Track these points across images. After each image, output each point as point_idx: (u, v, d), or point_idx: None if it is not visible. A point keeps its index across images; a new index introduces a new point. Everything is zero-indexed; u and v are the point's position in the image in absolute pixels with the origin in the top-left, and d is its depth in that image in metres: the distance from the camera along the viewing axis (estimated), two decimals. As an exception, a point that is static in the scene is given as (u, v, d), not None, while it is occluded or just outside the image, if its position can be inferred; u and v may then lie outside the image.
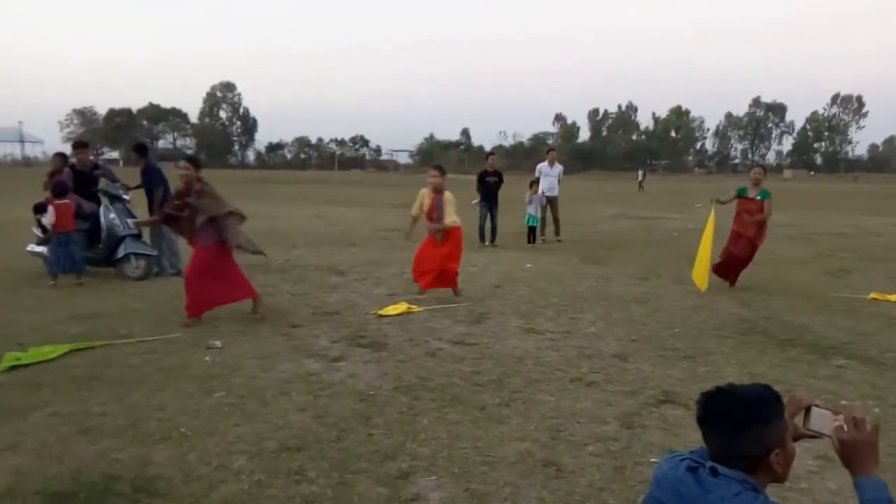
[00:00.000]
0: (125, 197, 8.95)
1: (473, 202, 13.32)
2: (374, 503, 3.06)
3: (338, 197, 29.58)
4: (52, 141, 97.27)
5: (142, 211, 9.11)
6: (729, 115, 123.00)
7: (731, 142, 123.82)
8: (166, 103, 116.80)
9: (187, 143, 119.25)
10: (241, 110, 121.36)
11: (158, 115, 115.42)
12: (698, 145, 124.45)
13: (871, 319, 6.94)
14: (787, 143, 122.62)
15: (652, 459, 3.48)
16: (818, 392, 4.53)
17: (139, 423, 3.91)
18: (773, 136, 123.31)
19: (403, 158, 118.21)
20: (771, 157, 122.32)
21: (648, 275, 9.56)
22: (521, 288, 8.37)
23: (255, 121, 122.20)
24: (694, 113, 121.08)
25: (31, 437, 3.70)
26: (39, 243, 8.63)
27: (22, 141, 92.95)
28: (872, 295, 8.05)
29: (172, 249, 9.04)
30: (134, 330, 5.96)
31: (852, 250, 12.96)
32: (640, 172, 48.41)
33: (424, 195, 7.59)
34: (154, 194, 8.95)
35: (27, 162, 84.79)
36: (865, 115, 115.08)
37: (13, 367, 4.85)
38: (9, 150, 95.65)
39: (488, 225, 12.72)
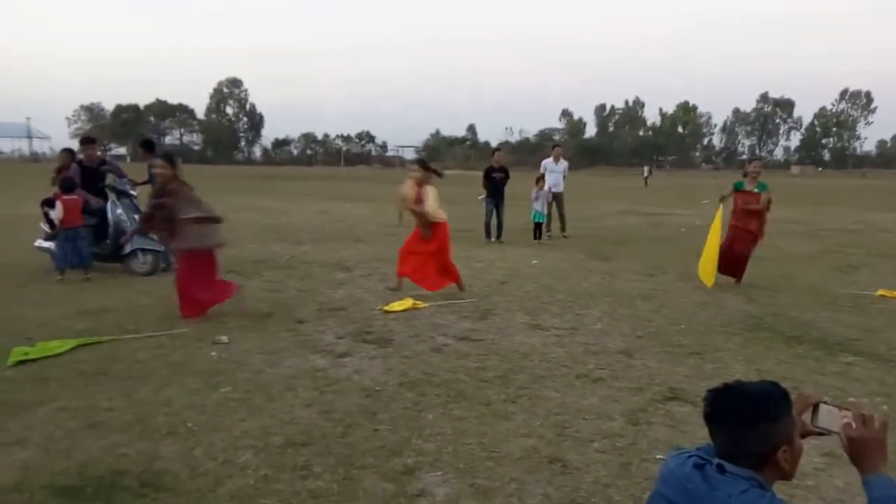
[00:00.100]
0: (132, 193, 8.98)
1: (479, 198, 13.31)
2: (379, 498, 3.06)
3: (344, 193, 29.60)
4: (60, 137, 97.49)
5: (148, 207, 9.12)
6: (736, 111, 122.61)
7: (739, 138, 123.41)
8: (173, 99, 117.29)
9: (194, 139, 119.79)
10: (248, 106, 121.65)
11: (165, 112, 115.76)
12: (705, 141, 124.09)
13: (878, 316, 6.90)
14: (795, 139, 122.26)
15: (658, 456, 3.47)
16: (825, 389, 4.51)
17: (146, 418, 3.92)
18: (781, 131, 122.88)
19: (409, 155, 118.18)
20: (779, 153, 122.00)
21: (655, 271, 9.53)
22: (527, 284, 8.36)
23: (261, 117, 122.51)
24: (701, 109, 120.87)
25: (39, 431, 3.72)
26: (47, 239, 8.67)
27: (30, 137, 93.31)
28: (880, 292, 8.00)
29: (179, 245, 9.06)
30: (141, 325, 5.98)
31: (860, 246, 12.89)
32: (646, 168, 48.37)
33: (407, 189, 7.49)
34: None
35: (35, 158, 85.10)
36: (874, 110, 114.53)
37: (21, 362, 4.87)
38: (17, 145, 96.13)
39: (494, 221, 12.69)
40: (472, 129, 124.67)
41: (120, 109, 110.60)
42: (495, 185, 12.61)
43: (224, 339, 5.55)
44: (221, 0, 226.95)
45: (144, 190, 9.27)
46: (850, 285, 8.63)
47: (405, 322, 6.29)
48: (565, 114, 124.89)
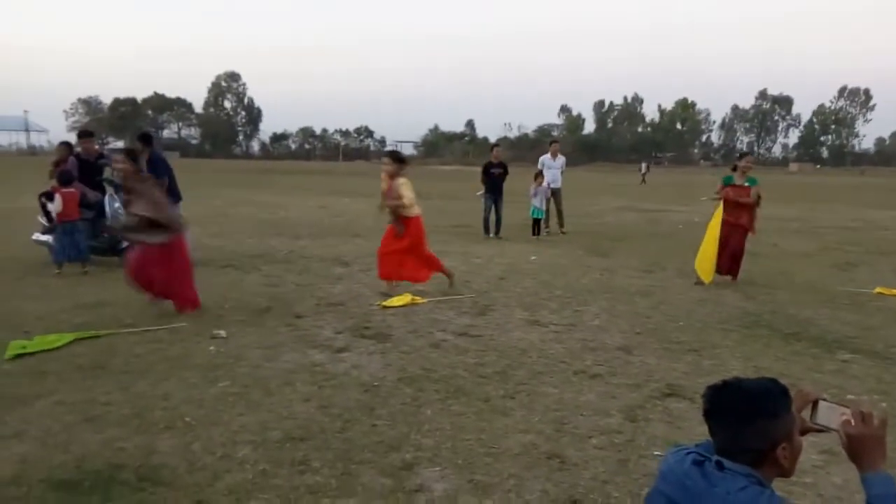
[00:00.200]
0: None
1: (478, 193, 13.31)
2: (377, 493, 3.06)
3: (342, 188, 29.56)
4: (58, 130, 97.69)
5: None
6: (735, 108, 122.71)
7: (737, 134, 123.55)
8: (171, 93, 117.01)
9: (192, 133, 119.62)
10: (246, 100, 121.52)
11: (163, 105, 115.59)
12: (704, 138, 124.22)
13: (876, 314, 6.91)
14: (794, 136, 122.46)
15: (656, 452, 3.47)
16: (823, 386, 4.51)
17: (144, 412, 3.92)
18: (780, 128, 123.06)
19: (408, 150, 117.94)
20: (777, 150, 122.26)
21: (653, 267, 9.53)
22: (526, 280, 8.36)
23: (259, 111, 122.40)
24: (700, 105, 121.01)
25: (36, 425, 3.71)
26: (44, 232, 8.64)
27: (27, 130, 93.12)
28: (878, 289, 8.01)
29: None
30: (139, 319, 5.97)
31: (858, 244, 12.90)
32: (644, 165, 48.32)
33: (382, 181, 7.41)
34: (159, 184, 8.95)
35: (32, 151, 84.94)
36: (872, 108, 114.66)
37: (18, 356, 4.86)
38: (14, 139, 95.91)
39: (493, 217, 12.69)
40: (470, 124, 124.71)
41: (118, 103, 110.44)
42: (494, 181, 12.60)
43: (222, 333, 5.55)
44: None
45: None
46: (848, 283, 8.64)
47: (404, 317, 6.29)
48: (564, 109, 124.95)
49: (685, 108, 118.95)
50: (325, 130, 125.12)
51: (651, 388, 4.51)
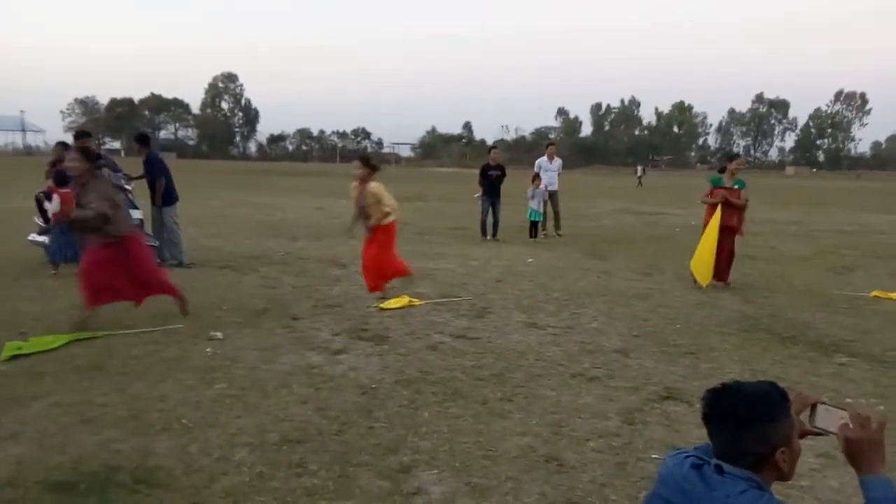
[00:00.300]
0: (127, 187, 8.92)
1: (475, 196, 13.31)
2: (375, 496, 3.05)
3: (339, 189, 29.43)
4: (54, 130, 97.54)
5: (144, 201, 9.09)
6: (732, 111, 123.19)
7: (734, 138, 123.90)
8: (168, 94, 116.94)
9: (189, 134, 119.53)
10: (243, 101, 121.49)
11: (160, 106, 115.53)
12: (701, 141, 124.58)
13: (873, 317, 6.93)
14: (790, 140, 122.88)
15: (654, 456, 3.47)
16: (821, 390, 4.52)
17: (140, 413, 3.90)
18: (776, 132, 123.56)
19: (405, 151, 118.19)
20: (773, 154, 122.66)
21: (651, 270, 9.54)
22: (523, 282, 8.36)
23: (256, 112, 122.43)
24: (697, 108, 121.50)
25: (33, 426, 3.70)
26: (41, 233, 8.61)
27: (24, 130, 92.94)
28: (875, 293, 8.03)
29: (174, 240, 9.04)
30: (135, 320, 5.95)
31: (855, 248, 12.93)
32: (640, 168, 48.42)
33: (353, 188, 7.14)
34: (156, 184, 8.95)
35: (28, 151, 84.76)
36: (869, 112, 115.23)
37: (14, 357, 4.85)
38: (10, 139, 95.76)
39: (490, 219, 12.70)
40: (468, 126, 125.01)
41: (114, 103, 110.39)
42: (491, 183, 12.60)
43: (219, 335, 5.53)
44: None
45: (139, 184, 9.24)
46: (844, 286, 8.66)
47: (401, 319, 6.28)
48: (561, 112, 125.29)
49: (682, 111, 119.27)
50: (322, 132, 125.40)
51: (649, 391, 4.51)
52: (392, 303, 6.79)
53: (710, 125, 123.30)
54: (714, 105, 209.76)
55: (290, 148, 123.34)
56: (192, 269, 8.67)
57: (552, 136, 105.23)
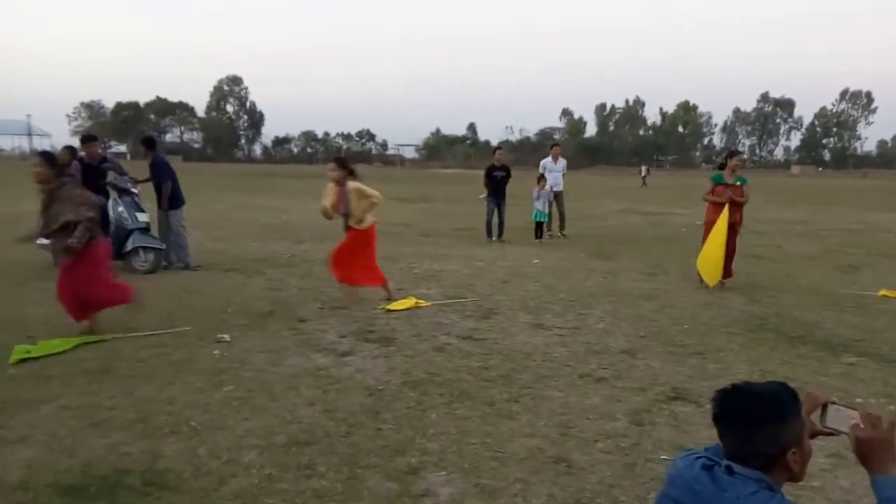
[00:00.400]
0: (133, 190, 8.97)
1: (481, 197, 13.31)
2: (383, 498, 3.05)
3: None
4: (60, 134, 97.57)
5: (151, 204, 9.12)
6: (737, 111, 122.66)
7: (739, 137, 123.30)
8: (173, 97, 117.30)
9: (194, 137, 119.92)
10: (248, 104, 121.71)
11: (166, 109, 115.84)
12: (706, 141, 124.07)
13: (881, 316, 6.90)
14: (796, 139, 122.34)
15: (662, 456, 3.46)
16: (829, 390, 4.50)
17: (149, 416, 3.92)
18: (781, 131, 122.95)
19: (410, 153, 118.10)
20: (779, 153, 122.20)
21: (656, 270, 9.52)
22: (529, 283, 8.35)
23: (261, 115, 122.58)
24: (702, 108, 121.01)
25: (42, 429, 3.71)
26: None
27: (30, 134, 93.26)
28: (882, 292, 8.00)
29: (180, 243, 9.07)
30: (143, 323, 5.97)
31: (861, 246, 12.88)
32: (644, 168, 48.31)
33: (329, 190, 7.05)
34: (162, 188, 8.99)
35: (35, 155, 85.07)
36: (874, 110, 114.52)
37: (23, 360, 4.87)
38: (17, 143, 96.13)
39: (495, 220, 12.69)
40: (472, 127, 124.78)
41: (120, 107, 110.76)
42: (497, 184, 12.60)
43: (226, 337, 5.55)
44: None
45: (146, 188, 9.27)
46: (851, 285, 8.62)
47: (407, 321, 6.29)
48: (566, 113, 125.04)
49: (687, 110, 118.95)
50: (326, 134, 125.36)
51: (656, 392, 4.50)
52: (398, 304, 6.80)
53: (715, 125, 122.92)
54: (719, 105, 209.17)
55: (295, 150, 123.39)
56: (198, 272, 8.71)
57: (557, 136, 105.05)
